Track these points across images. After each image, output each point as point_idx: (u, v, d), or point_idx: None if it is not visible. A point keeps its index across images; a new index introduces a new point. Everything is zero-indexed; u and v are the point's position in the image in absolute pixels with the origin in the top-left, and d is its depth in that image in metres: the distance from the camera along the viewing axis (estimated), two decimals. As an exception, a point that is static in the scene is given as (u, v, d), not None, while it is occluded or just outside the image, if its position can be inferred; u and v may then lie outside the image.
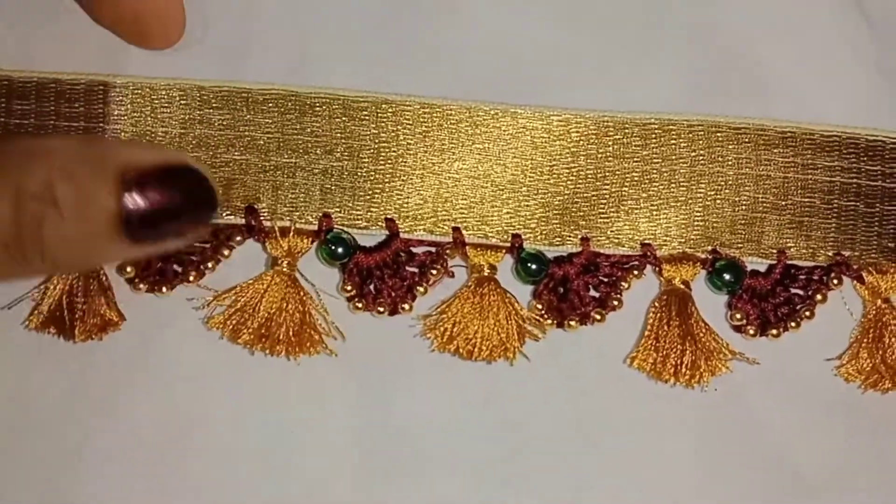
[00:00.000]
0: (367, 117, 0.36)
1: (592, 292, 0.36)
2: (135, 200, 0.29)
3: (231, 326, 0.35)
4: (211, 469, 0.35)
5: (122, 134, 0.36)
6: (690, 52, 0.37)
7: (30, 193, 0.28)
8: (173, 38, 0.36)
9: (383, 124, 0.36)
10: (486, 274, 0.36)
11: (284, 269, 0.35)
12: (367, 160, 0.36)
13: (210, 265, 0.36)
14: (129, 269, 0.35)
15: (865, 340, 0.36)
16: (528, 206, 0.36)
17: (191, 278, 0.35)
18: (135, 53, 0.37)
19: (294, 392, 0.36)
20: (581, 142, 0.36)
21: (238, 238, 0.36)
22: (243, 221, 0.36)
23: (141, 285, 0.35)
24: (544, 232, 0.36)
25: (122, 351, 0.36)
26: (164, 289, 0.35)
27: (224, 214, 0.36)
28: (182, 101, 0.36)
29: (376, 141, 0.36)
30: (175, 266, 0.35)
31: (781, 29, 0.38)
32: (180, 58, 0.37)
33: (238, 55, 0.37)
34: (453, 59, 0.37)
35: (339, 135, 0.36)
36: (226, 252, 0.36)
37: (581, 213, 0.36)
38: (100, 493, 0.35)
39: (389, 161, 0.36)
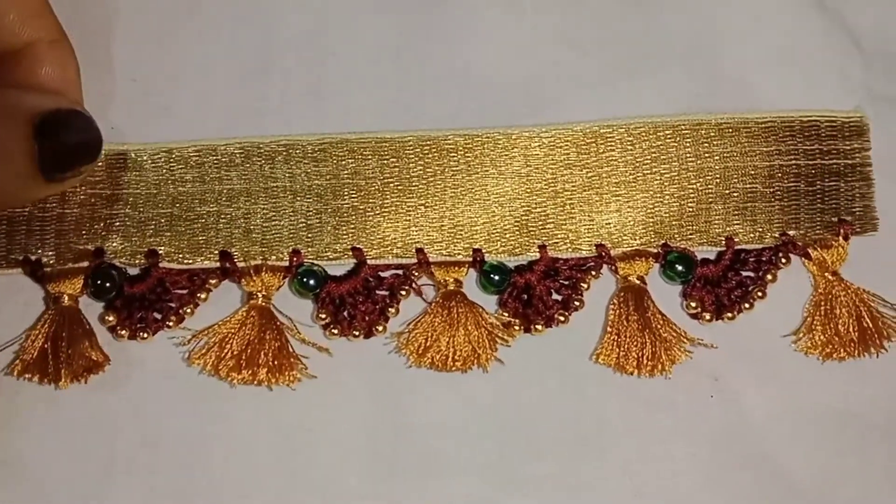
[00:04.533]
0: (325, 158, 0.38)
1: (555, 296, 0.38)
2: (46, 141, 0.33)
3: (211, 361, 0.37)
4: (230, 465, 0.37)
5: (99, 196, 0.38)
6: (685, 75, 0.40)
7: None
8: None
9: (343, 163, 0.38)
10: (451, 288, 0.38)
11: (260, 303, 0.37)
12: (329, 197, 0.38)
13: (189, 309, 0.38)
14: (110, 317, 0.37)
15: (818, 314, 0.38)
16: (487, 222, 0.38)
17: (170, 324, 0.37)
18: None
19: (309, 397, 0.37)
20: (531, 157, 0.38)
21: (213, 281, 0.38)
22: (218, 265, 0.38)
23: (122, 332, 0.37)
24: (504, 244, 0.38)
25: (148, 359, 0.38)
26: (145, 335, 0.37)
27: (199, 260, 0.38)
28: (154, 164, 0.38)
29: (337, 178, 0.38)
30: (155, 313, 0.37)
31: (775, 55, 0.40)
32: (207, 81, 0.39)
33: (259, 82, 0.39)
34: (462, 81, 0.40)
35: (302, 177, 0.38)
36: (202, 295, 0.38)
37: (538, 224, 0.38)
38: (129, 484, 0.37)
39: (351, 195, 0.38)
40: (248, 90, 0.39)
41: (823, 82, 0.40)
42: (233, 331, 0.37)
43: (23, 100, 0.34)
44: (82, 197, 0.38)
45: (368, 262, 0.38)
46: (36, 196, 0.37)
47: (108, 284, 0.37)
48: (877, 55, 0.40)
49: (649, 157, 0.38)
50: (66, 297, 0.37)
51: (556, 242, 0.38)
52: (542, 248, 0.38)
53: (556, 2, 0.40)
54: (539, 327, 0.38)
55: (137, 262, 0.38)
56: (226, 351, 0.37)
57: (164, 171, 0.38)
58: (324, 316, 0.38)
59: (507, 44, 0.40)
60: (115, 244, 0.38)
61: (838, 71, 0.40)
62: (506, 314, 0.38)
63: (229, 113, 0.39)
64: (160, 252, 0.38)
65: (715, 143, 0.38)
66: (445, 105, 0.39)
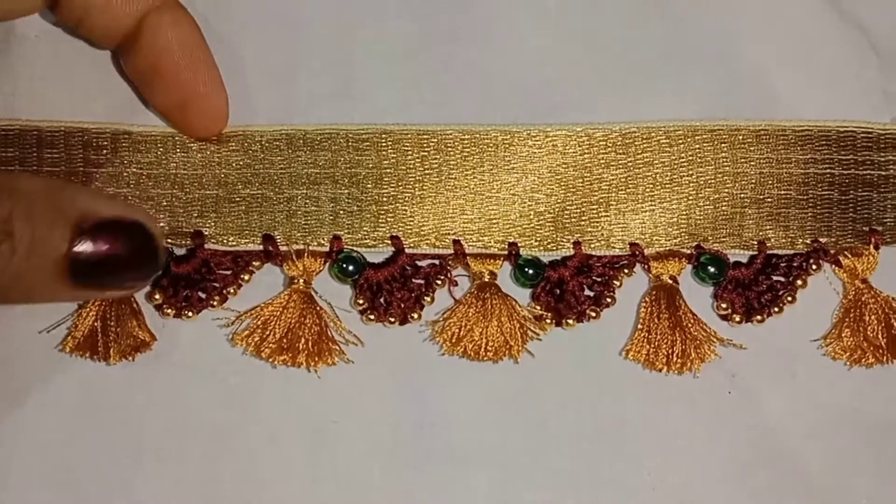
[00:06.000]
0: (368, 148, 0.39)
1: (587, 291, 0.39)
2: (84, 247, 0.33)
3: (254, 342, 0.38)
4: (256, 455, 0.38)
5: (148, 177, 0.39)
6: (704, 78, 0.40)
7: None
8: (216, 130, 0.39)
9: (384, 152, 0.39)
10: (486, 280, 0.39)
11: (301, 287, 0.38)
12: (370, 186, 0.39)
13: (232, 290, 0.39)
14: (157, 296, 0.38)
15: (847, 320, 0.38)
16: (523, 216, 0.39)
17: (214, 303, 0.38)
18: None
19: (335, 388, 0.38)
20: (569, 154, 0.39)
21: (257, 263, 0.39)
22: (261, 248, 0.39)
23: (168, 311, 0.38)
24: (539, 239, 0.39)
25: (179, 350, 0.39)
26: (189, 313, 0.38)
27: (243, 243, 0.39)
28: (201, 146, 0.39)
29: (378, 168, 0.39)
30: (200, 293, 0.39)
31: (792, 58, 0.40)
32: (235, 82, 0.39)
33: (287, 82, 0.40)
34: (486, 83, 0.40)
35: (344, 165, 0.39)
36: (246, 277, 0.39)
37: (572, 220, 0.39)
38: (157, 472, 0.38)
39: (391, 185, 0.39)
40: (276, 91, 0.40)
41: (840, 84, 0.40)
42: (275, 314, 0.38)
43: (79, 199, 0.34)
44: (132, 178, 0.39)
45: (406, 250, 0.39)
46: (67, 298, 0.36)
47: (155, 264, 0.38)
48: (893, 57, 0.40)
49: (686, 160, 0.39)
50: (115, 276, 0.39)
51: (591, 239, 0.39)
52: (577, 244, 0.39)
53: (579, 4, 0.41)
54: (570, 322, 0.38)
55: (184, 242, 0.39)
56: (268, 333, 0.38)
57: (211, 152, 0.39)
58: (361, 302, 0.38)
59: (529, 46, 0.40)
60: (162, 224, 0.39)
61: (855, 73, 0.40)
62: (538, 308, 0.39)
63: (257, 112, 0.40)
64: (205, 233, 0.39)
65: (751, 148, 0.39)
66: (469, 106, 0.40)
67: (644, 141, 0.39)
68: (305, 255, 0.39)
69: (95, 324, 0.38)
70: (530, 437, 0.38)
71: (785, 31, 0.41)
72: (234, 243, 0.39)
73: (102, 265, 0.33)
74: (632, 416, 0.38)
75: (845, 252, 0.39)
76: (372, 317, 0.38)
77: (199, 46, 0.38)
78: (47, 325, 0.39)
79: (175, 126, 0.39)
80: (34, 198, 0.33)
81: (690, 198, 0.39)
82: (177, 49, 0.37)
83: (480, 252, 0.39)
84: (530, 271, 0.39)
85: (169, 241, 0.39)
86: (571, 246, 0.39)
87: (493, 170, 0.39)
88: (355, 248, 0.39)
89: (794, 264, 0.39)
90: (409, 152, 0.39)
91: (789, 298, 0.38)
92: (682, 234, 0.39)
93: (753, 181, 0.39)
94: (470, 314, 0.38)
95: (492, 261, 0.39)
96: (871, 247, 0.39)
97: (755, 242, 0.39)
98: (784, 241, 0.39)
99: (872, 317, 0.38)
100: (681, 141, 0.39)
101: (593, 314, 0.38)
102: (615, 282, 0.39)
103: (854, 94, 0.40)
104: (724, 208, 0.39)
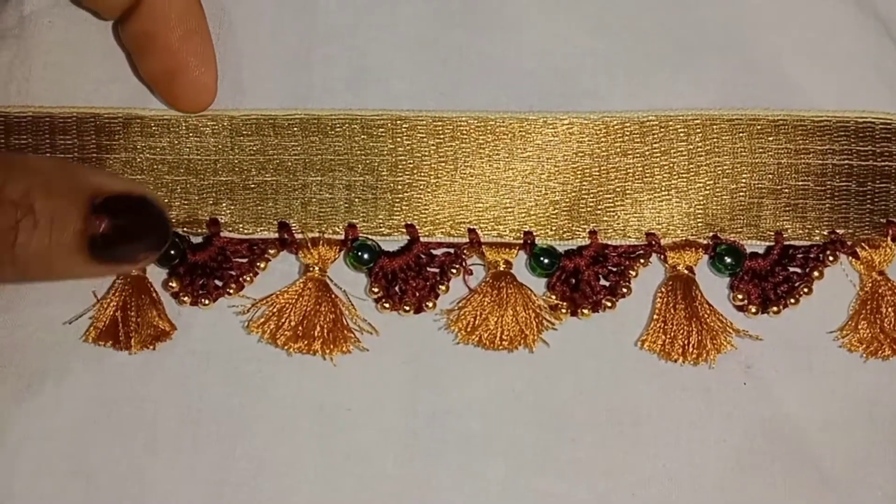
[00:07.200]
0: (383, 134, 0.39)
1: (603, 281, 0.39)
2: (99, 222, 0.33)
3: (269, 330, 0.38)
4: (270, 444, 0.38)
5: (161, 162, 0.39)
6: (719, 67, 0.40)
7: (9, 200, 0.32)
8: (201, 105, 0.39)
9: (399, 139, 0.39)
10: (501, 269, 0.39)
11: (316, 275, 0.38)
12: (385, 173, 0.39)
13: (248, 278, 0.39)
14: (173, 284, 0.38)
15: (864, 312, 0.38)
16: (538, 205, 0.39)
17: (231, 291, 0.38)
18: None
19: (349, 377, 0.38)
20: (585, 142, 0.39)
21: (272, 251, 0.39)
22: (277, 236, 0.39)
23: (185, 298, 0.38)
24: (554, 228, 0.39)
25: (194, 337, 0.39)
26: (206, 301, 0.38)
27: (259, 231, 0.39)
28: (214, 130, 0.39)
29: (393, 155, 0.39)
30: (216, 281, 0.38)
31: (809, 47, 0.40)
32: (250, 69, 0.40)
33: (301, 68, 0.40)
34: (499, 70, 0.40)
35: (359, 152, 0.39)
36: (262, 265, 0.39)
37: (588, 209, 0.39)
38: (170, 462, 0.38)
39: (406, 172, 0.39)
40: (291, 77, 0.40)
41: (858, 75, 0.40)
42: (290, 301, 0.38)
43: (89, 176, 0.34)
44: (146, 164, 0.39)
45: (421, 239, 0.39)
46: (84, 274, 0.37)
47: (172, 252, 0.38)
48: None
49: (704, 150, 0.39)
50: (135, 267, 0.38)
51: (606, 229, 0.39)
52: (593, 233, 0.39)
53: None
54: (586, 312, 0.38)
55: (200, 230, 0.39)
56: (283, 321, 0.38)
57: (225, 138, 0.39)
58: (376, 290, 0.38)
59: (543, 33, 0.40)
60: (178, 212, 0.39)
61: (873, 64, 0.40)
62: (553, 297, 0.39)
63: (271, 98, 0.40)
64: (221, 221, 0.39)
65: (770, 138, 0.39)
66: (482, 93, 0.40)
67: (661, 130, 0.39)
68: (320, 242, 0.38)
69: (116, 314, 0.38)
70: (545, 426, 0.38)
71: (802, 21, 0.40)
72: (249, 231, 0.39)
73: (118, 238, 0.34)
74: (647, 406, 0.38)
75: (862, 244, 0.38)
76: (387, 305, 0.38)
77: (197, 18, 0.38)
78: (62, 312, 0.39)
79: (162, 97, 0.39)
80: (50, 174, 0.34)
81: (707, 187, 0.39)
82: (174, 17, 0.37)
83: (495, 241, 0.39)
84: (546, 260, 0.39)
85: (185, 228, 0.39)
86: (587, 235, 0.39)
87: (508, 158, 0.39)
88: (370, 237, 0.39)
89: (811, 255, 0.38)
90: (424, 139, 0.39)
91: (806, 290, 0.38)
92: (699, 224, 0.39)
93: (771, 171, 0.39)
94: (485, 303, 0.38)
95: (507, 250, 0.39)
96: (889, 238, 0.38)
97: (772, 233, 0.39)
98: (801, 232, 0.39)
99: (889, 309, 0.38)
100: (698, 130, 0.39)
101: (609, 304, 0.38)
102: (631, 272, 0.39)
103: (871, 85, 0.40)
104: (741, 198, 0.39)
